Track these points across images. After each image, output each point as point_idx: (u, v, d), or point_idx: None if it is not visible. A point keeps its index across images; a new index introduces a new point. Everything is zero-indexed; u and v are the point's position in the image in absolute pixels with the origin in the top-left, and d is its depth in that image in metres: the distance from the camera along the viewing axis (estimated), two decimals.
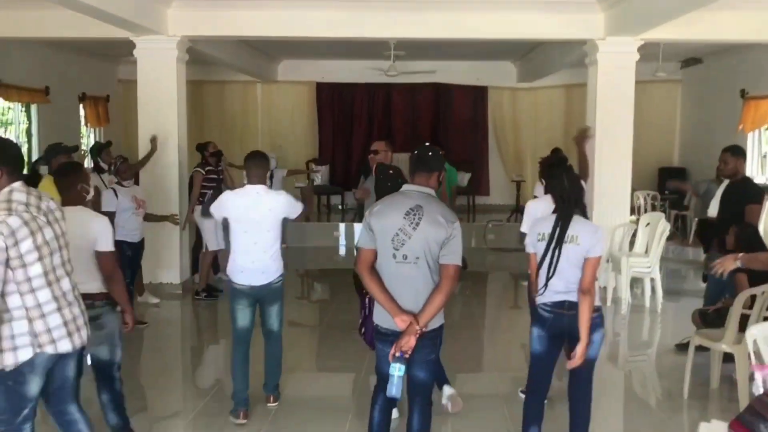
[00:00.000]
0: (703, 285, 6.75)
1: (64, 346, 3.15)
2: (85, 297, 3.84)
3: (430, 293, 3.33)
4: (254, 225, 4.62)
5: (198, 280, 8.27)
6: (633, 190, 11.33)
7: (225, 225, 4.92)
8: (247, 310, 4.71)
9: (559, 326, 3.72)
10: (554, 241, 3.66)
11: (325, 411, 4.97)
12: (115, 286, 3.95)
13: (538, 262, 3.73)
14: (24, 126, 11.18)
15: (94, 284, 3.90)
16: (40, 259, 3.04)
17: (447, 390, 4.82)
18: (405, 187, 3.54)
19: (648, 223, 7.87)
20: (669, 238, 11.39)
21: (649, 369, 6.35)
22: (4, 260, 2.90)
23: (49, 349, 3.10)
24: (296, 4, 8.00)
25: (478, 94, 14.83)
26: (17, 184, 3.09)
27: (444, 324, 3.53)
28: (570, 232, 3.67)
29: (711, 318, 5.42)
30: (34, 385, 3.14)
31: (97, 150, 7.87)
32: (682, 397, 5.17)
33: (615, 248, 8.02)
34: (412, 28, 8.24)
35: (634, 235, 8.08)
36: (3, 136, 2.76)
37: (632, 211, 10.54)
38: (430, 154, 3.53)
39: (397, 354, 3.27)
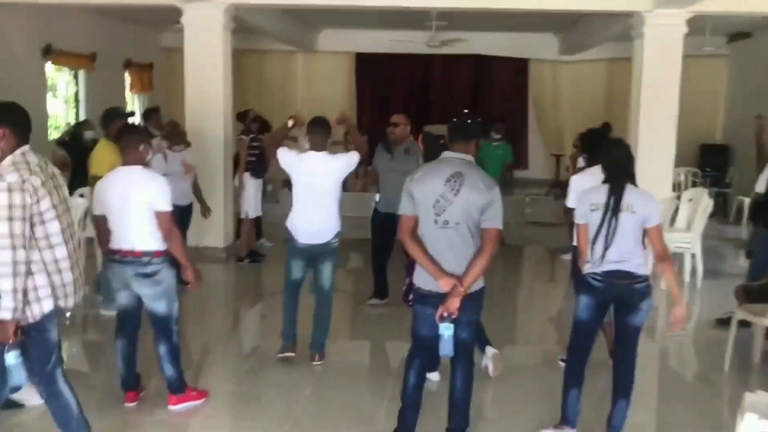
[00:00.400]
0: (745, 262, 6.72)
1: (71, 302, 3.31)
2: (144, 254, 4.05)
3: (471, 256, 3.47)
4: (316, 189, 4.90)
5: (240, 245, 8.46)
6: (674, 166, 11.26)
7: (287, 184, 5.20)
8: (301, 266, 5.08)
9: (610, 295, 3.77)
10: (610, 210, 3.68)
11: (367, 374, 5.14)
12: (174, 243, 4.11)
13: (594, 232, 3.72)
14: (72, 91, 11.42)
15: (152, 241, 4.08)
16: (57, 217, 3.18)
17: (489, 350, 4.93)
18: (444, 154, 3.63)
19: (690, 199, 7.82)
20: (709, 216, 11.35)
21: (688, 343, 6.35)
22: (29, 217, 3.04)
23: (62, 303, 3.25)
24: None
25: (518, 67, 14.73)
26: (27, 147, 3.22)
27: (485, 287, 3.64)
28: (625, 200, 3.69)
29: (755, 293, 5.42)
30: (54, 334, 3.29)
31: (147, 115, 8.04)
32: (722, 371, 5.20)
33: None
34: None
35: (675, 212, 8.03)
36: (10, 101, 2.89)
37: (672, 188, 10.47)
38: (468, 122, 3.63)
39: (445, 315, 3.40)
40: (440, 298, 3.46)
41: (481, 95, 14.78)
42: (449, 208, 3.44)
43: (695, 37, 10.54)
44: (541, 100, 14.85)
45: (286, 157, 5.04)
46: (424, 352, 3.68)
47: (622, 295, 3.74)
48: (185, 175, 6.86)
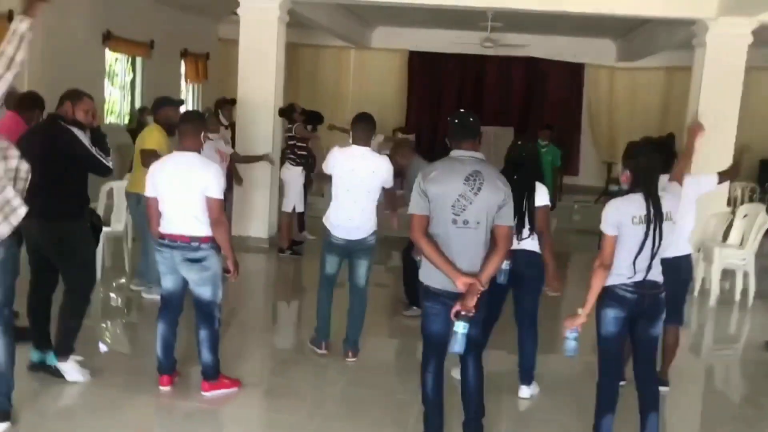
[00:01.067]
0: None
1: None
2: (192, 239, 4.10)
3: (484, 255, 3.46)
4: (357, 184, 4.80)
5: (279, 238, 8.53)
6: (730, 181, 10.90)
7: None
8: (336, 259, 5.00)
9: (640, 306, 3.65)
10: (653, 221, 3.53)
11: (400, 371, 5.09)
12: (220, 231, 4.15)
13: (639, 245, 3.54)
14: (129, 78, 11.66)
15: (202, 227, 4.14)
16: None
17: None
18: (455, 152, 3.54)
19: (746, 215, 7.55)
20: (766, 234, 10.96)
21: (735, 364, 6.14)
22: None
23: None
24: None
25: (574, 71, 14.50)
26: None
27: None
28: (665, 208, 3.58)
29: None
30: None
31: (220, 104, 8.17)
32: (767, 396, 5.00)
33: (708, 238, 7.74)
34: None
35: (729, 227, 7.76)
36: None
37: (728, 203, 10.13)
38: (471, 120, 3.57)
39: (463, 312, 3.37)
40: (451, 296, 3.44)
41: (534, 98, 14.58)
42: (469, 207, 3.40)
43: (761, 48, 10.18)
44: (595, 106, 14.58)
45: (333, 151, 4.97)
46: (437, 351, 3.62)
47: (650, 305, 3.65)
48: (221, 163, 6.92)
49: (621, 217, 3.56)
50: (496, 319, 4.55)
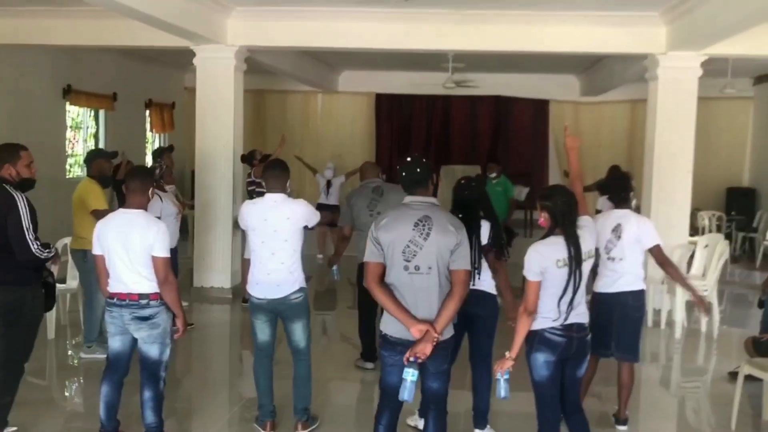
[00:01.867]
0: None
1: None
2: (141, 296, 4.03)
3: (443, 300, 3.39)
4: (270, 234, 4.40)
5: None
6: (697, 210, 10.99)
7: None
8: (266, 325, 4.52)
9: (569, 349, 3.61)
10: (574, 263, 3.52)
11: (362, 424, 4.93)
12: (169, 290, 4.08)
13: (563, 288, 3.52)
14: (92, 130, 11.62)
15: (150, 284, 4.06)
16: None
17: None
18: (407, 199, 3.53)
19: (707, 245, 7.57)
20: (735, 261, 11.04)
21: (702, 396, 6.08)
22: None
23: None
24: (355, 16, 8.05)
25: (539, 107, 14.66)
26: None
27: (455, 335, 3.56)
28: (584, 248, 3.57)
29: (765, 346, 5.16)
30: None
31: (158, 153, 8.07)
32: (729, 429, 4.92)
33: None
34: (471, 40, 8.16)
35: (691, 258, 7.78)
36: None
37: (695, 232, 10.19)
38: (418, 170, 3.51)
39: (411, 359, 3.30)
40: (408, 345, 3.37)
41: (501, 135, 14.70)
42: (419, 252, 3.36)
43: (717, 79, 10.38)
44: (561, 140, 14.64)
45: (244, 204, 4.67)
46: (391, 404, 3.54)
47: (577, 348, 3.63)
48: (178, 216, 6.85)
49: (545, 262, 3.53)
50: (453, 360, 4.47)
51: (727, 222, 12.06)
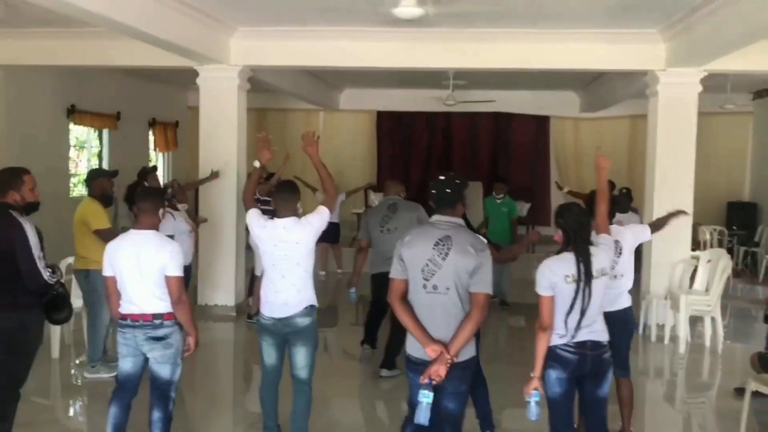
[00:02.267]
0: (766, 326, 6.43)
1: None
2: (155, 317, 4.03)
3: (460, 322, 3.37)
4: (281, 258, 4.34)
5: (252, 302, 8.42)
6: (698, 225, 11.01)
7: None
8: (272, 348, 4.44)
9: (583, 367, 3.61)
10: (583, 279, 3.54)
11: None
12: (182, 309, 4.08)
13: (569, 304, 3.55)
14: (96, 150, 11.68)
15: (164, 304, 4.06)
16: None
17: None
18: (433, 217, 3.56)
19: (709, 260, 7.58)
20: (737, 276, 11.04)
21: (708, 412, 6.06)
22: None
23: None
24: (357, 35, 8.13)
25: (539, 124, 14.71)
26: None
27: (476, 356, 3.50)
28: (596, 266, 3.58)
29: None
30: None
31: (142, 174, 8.02)
32: None
33: (674, 285, 7.75)
34: (471, 58, 8.24)
35: (694, 273, 7.79)
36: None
37: (697, 247, 10.20)
38: (447, 191, 3.52)
39: (426, 381, 3.30)
40: (427, 365, 3.36)
41: (501, 152, 14.75)
42: (438, 272, 3.37)
43: (717, 95, 10.43)
44: (562, 156, 14.77)
45: (253, 222, 4.46)
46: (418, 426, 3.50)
47: (593, 365, 3.62)
48: (191, 233, 6.88)
49: (554, 277, 3.57)
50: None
51: (728, 237, 12.06)
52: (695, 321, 7.62)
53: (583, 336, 3.58)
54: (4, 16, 7.56)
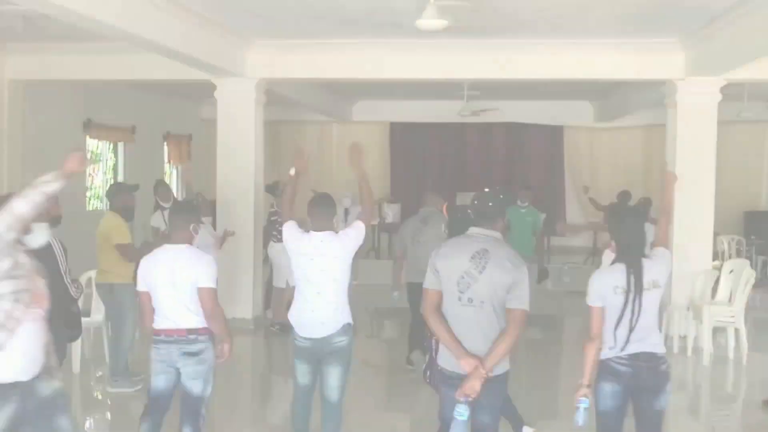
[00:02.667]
0: None
1: None
2: (189, 332, 4.00)
3: (496, 337, 3.33)
4: (318, 274, 4.17)
5: (271, 315, 8.42)
6: (716, 234, 10.91)
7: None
8: (306, 367, 4.26)
9: (638, 379, 3.55)
10: (632, 291, 3.49)
11: None
12: (216, 321, 4.06)
13: (618, 315, 3.51)
14: (111, 163, 11.72)
15: (197, 319, 4.03)
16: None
17: (526, 430, 4.75)
18: (471, 230, 3.53)
19: (732, 270, 7.51)
20: (756, 286, 10.90)
21: (734, 425, 5.98)
22: None
23: None
24: (371, 47, 8.14)
25: (554, 134, 14.68)
26: None
27: (510, 370, 3.48)
28: (648, 278, 3.53)
29: None
30: None
31: (154, 188, 8.02)
32: None
33: (696, 296, 7.67)
34: (486, 69, 8.25)
35: (717, 282, 7.70)
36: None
37: (715, 257, 10.10)
38: (490, 204, 3.52)
39: (461, 398, 3.25)
40: (461, 380, 3.33)
41: (516, 162, 14.72)
42: (474, 285, 3.34)
43: (733, 103, 10.36)
44: (577, 166, 14.71)
45: (289, 234, 4.29)
46: None
47: (648, 378, 3.55)
48: (214, 248, 6.88)
49: (603, 288, 3.55)
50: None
51: (747, 246, 11.96)
52: (716, 332, 7.53)
53: (635, 348, 3.53)
54: (23, 31, 7.60)
